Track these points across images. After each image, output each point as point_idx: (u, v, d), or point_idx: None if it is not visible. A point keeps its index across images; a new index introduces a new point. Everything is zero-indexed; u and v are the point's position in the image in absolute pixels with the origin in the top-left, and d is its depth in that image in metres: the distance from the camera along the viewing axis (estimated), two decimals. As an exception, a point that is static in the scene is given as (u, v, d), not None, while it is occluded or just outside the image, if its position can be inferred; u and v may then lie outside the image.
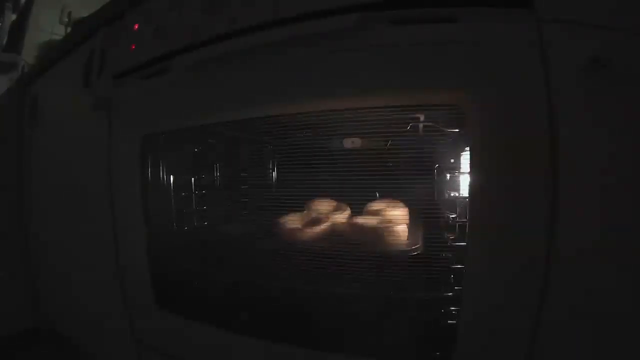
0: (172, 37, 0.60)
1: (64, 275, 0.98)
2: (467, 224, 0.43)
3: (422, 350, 0.49)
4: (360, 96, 0.47)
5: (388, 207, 0.63)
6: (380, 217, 0.62)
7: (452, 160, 0.56)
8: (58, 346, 1.05)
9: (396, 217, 0.62)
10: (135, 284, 0.71)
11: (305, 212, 0.69)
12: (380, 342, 0.50)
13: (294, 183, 0.67)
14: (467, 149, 0.44)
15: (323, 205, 0.68)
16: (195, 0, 0.57)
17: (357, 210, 0.67)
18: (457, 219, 0.53)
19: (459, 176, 0.55)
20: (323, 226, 0.64)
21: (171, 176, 0.76)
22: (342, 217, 0.66)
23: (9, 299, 1.14)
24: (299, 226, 0.65)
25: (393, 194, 0.65)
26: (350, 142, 0.64)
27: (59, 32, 1.31)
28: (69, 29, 1.31)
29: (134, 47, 0.67)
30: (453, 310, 0.48)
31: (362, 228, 0.60)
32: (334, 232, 0.64)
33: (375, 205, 0.65)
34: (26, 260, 1.16)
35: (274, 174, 0.86)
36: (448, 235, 0.54)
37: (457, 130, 0.51)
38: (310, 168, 0.58)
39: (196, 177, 0.83)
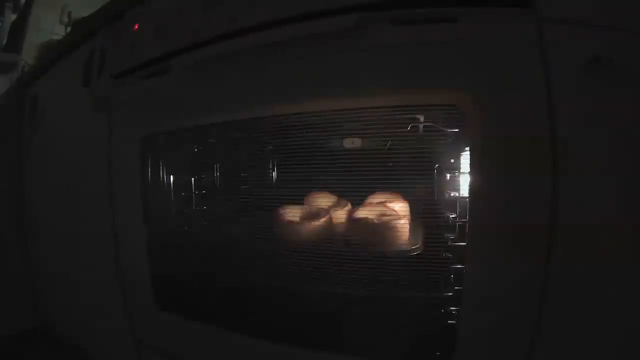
0: (172, 37, 0.60)
1: (64, 276, 0.98)
2: (467, 224, 0.43)
3: (422, 350, 0.49)
4: (360, 96, 0.47)
5: (388, 200, 0.63)
6: (380, 210, 0.62)
7: (452, 160, 0.56)
8: (58, 346, 1.05)
9: (397, 211, 0.61)
10: (135, 284, 0.71)
11: (305, 206, 0.68)
12: (381, 342, 0.50)
13: (294, 183, 0.67)
14: (467, 149, 0.44)
15: (322, 200, 0.68)
16: (195, 0, 0.57)
17: (357, 208, 0.67)
18: (457, 219, 0.53)
19: (459, 176, 0.55)
20: (322, 220, 0.63)
21: (171, 176, 0.76)
22: (342, 211, 0.66)
23: (9, 299, 1.14)
24: (298, 220, 0.64)
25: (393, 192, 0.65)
26: (350, 142, 0.64)
27: (59, 32, 1.31)
28: (69, 29, 1.31)
29: (133, 47, 0.67)
30: (453, 310, 0.48)
31: (362, 224, 0.60)
32: (334, 231, 0.64)
33: (376, 198, 0.65)
34: (26, 260, 1.16)
35: (274, 173, 0.86)
36: (448, 235, 0.54)
37: (457, 130, 0.51)
38: (310, 168, 0.58)
39: (196, 177, 0.83)
